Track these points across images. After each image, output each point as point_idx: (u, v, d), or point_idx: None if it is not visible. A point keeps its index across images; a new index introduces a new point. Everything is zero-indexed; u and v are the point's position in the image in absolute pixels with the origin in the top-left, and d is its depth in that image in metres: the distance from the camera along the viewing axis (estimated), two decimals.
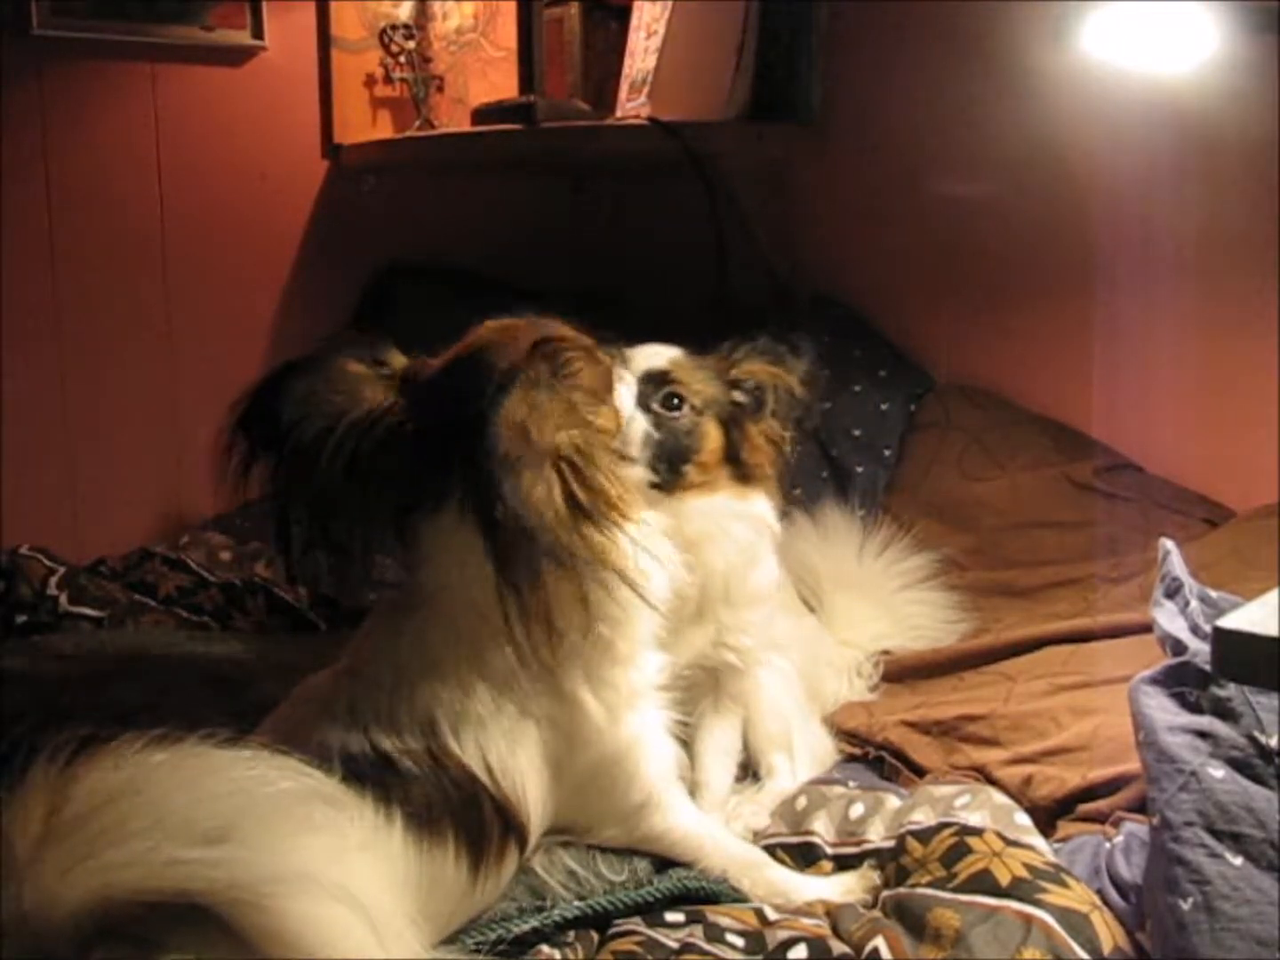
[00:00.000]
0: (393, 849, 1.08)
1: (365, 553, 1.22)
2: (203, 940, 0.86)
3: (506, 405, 1.09)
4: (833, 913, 1.25)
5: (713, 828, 1.36)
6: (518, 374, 1.11)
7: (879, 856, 1.34)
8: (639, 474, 1.41)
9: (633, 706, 1.26)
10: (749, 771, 1.60)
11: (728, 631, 1.52)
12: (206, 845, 0.87)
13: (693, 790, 1.50)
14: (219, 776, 0.94)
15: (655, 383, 1.45)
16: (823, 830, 1.41)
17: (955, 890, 1.18)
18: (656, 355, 1.48)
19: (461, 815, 1.14)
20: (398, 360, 1.24)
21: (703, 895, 1.26)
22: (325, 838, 0.97)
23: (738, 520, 1.49)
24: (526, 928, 1.18)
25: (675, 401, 1.45)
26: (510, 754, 1.18)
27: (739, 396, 1.50)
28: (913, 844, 1.29)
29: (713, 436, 1.48)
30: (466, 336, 1.21)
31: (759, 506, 1.51)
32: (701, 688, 1.56)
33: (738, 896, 1.28)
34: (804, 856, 1.39)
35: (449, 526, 1.18)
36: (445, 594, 1.21)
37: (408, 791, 1.11)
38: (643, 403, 1.44)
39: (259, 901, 0.85)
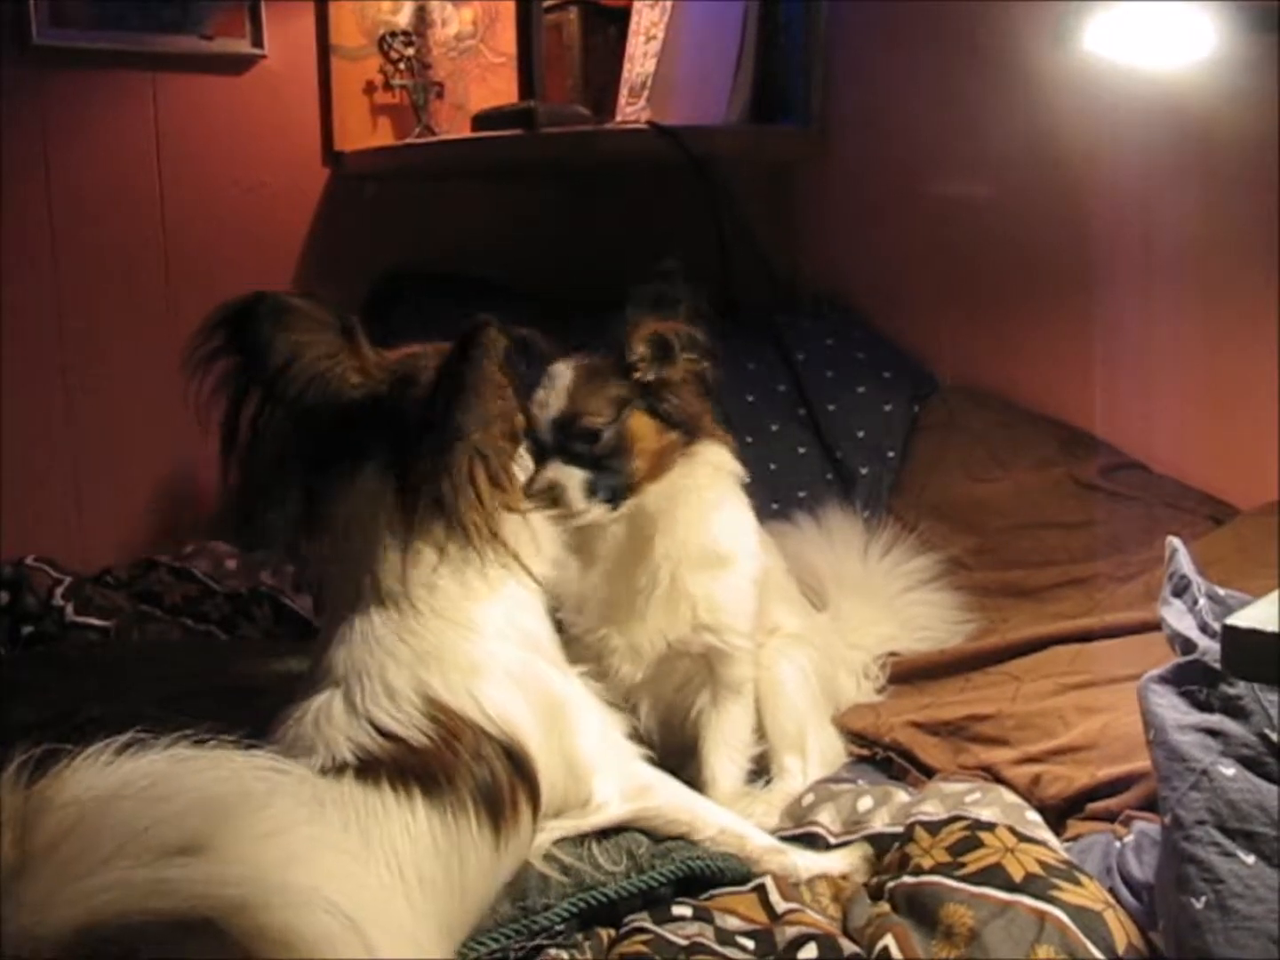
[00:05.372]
0: (419, 832, 1.09)
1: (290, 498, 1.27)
2: (192, 948, 0.84)
3: (478, 384, 1.19)
4: (843, 904, 1.24)
5: (700, 799, 1.38)
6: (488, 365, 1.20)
7: (882, 840, 1.34)
8: (598, 512, 1.44)
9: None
10: (761, 774, 1.60)
11: (704, 609, 1.51)
12: (183, 859, 0.86)
13: (700, 788, 1.49)
14: (188, 785, 0.93)
15: (564, 428, 1.44)
16: (828, 821, 1.42)
17: (964, 880, 1.17)
18: (556, 395, 1.46)
19: (474, 773, 1.15)
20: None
21: (707, 874, 1.27)
22: (301, 835, 0.96)
23: (691, 474, 1.49)
24: (538, 937, 1.18)
25: (591, 434, 1.44)
26: (501, 694, 1.20)
27: (647, 373, 1.47)
28: (921, 834, 1.28)
29: (640, 429, 1.46)
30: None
31: (710, 454, 1.51)
32: (700, 680, 1.56)
33: (742, 872, 1.28)
34: (806, 846, 1.38)
35: (370, 487, 1.24)
36: (377, 550, 1.23)
37: (423, 766, 1.12)
38: (563, 450, 1.44)
39: (242, 909, 0.84)
